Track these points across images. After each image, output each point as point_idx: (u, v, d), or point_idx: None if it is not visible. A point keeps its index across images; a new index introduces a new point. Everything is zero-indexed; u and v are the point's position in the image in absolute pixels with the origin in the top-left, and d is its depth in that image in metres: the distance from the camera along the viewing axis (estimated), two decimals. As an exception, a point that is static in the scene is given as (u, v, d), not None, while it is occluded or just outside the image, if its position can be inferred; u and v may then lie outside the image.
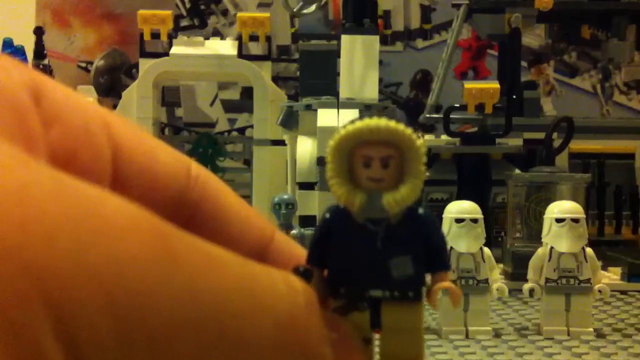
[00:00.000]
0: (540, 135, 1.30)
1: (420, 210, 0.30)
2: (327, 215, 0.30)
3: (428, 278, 0.31)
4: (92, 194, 0.21)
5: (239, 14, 1.44)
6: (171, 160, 0.30)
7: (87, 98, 0.29)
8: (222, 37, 1.48)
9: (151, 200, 0.28)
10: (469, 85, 1.38)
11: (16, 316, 0.18)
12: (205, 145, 1.40)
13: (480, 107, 1.35)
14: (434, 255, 0.30)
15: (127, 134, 0.28)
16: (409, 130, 0.29)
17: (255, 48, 1.39)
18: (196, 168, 0.30)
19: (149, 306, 0.20)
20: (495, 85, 1.37)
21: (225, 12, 1.74)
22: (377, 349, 0.31)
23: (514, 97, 1.44)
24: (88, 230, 0.20)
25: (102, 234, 0.20)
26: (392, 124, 0.28)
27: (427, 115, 1.43)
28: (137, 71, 1.40)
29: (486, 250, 0.88)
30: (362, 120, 0.29)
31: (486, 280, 0.87)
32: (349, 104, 1.19)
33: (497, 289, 0.88)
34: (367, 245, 0.29)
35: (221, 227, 0.30)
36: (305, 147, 1.21)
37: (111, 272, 0.20)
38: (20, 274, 0.18)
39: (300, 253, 0.31)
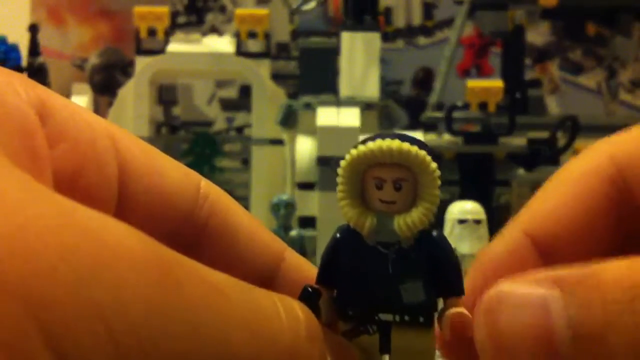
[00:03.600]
0: (545, 134, 1.29)
1: (434, 233, 0.29)
2: (338, 236, 0.29)
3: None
4: (95, 222, 0.20)
5: (237, 11, 1.43)
6: (180, 177, 0.29)
7: (92, 113, 0.28)
8: (220, 34, 1.47)
9: (159, 218, 0.28)
10: (471, 83, 1.38)
11: (16, 351, 0.18)
12: (203, 145, 1.39)
13: (483, 106, 1.34)
14: (447, 279, 0.29)
15: (134, 150, 0.28)
16: (422, 153, 0.27)
17: (253, 45, 1.38)
18: (206, 185, 0.30)
19: (151, 340, 0.20)
20: (499, 83, 1.37)
21: (223, 9, 1.72)
22: None
23: (518, 95, 1.44)
24: (90, 262, 0.19)
25: (104, 265, 0.20)
26: (405, 145, 0.27)
27: (429, 114, 1.43)
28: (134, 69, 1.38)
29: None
30: (375, 141, 0.28)
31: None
32: (350, 102, 1.19)
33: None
34: (377, 268, 0.28)
35: (230, 246, 0.30)
36: (305, 147, 1.20)
37: (113, 304, 0.19)
38: (20, 309, 0.18)
39: (312, 273, 0.31)
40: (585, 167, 0.30)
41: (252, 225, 0.31)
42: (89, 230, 0.20)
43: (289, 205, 1.07)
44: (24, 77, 0.26)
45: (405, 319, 0.29)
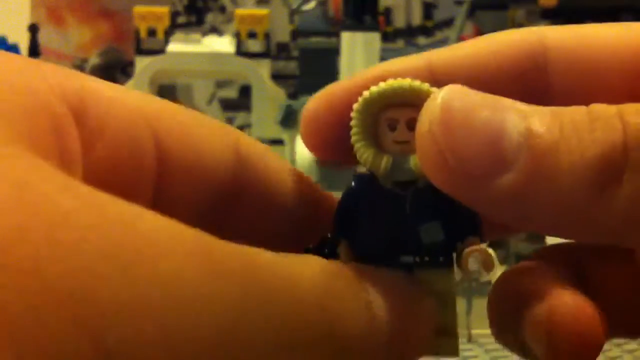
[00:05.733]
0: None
1: None
2: (353, 184, 0.29)
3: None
4: (130, 213, 0.20)
5: (237, 11, 1.43)
6: (219, 148, 0.29)
7: (130, 94, 0.27)
8: (220, 34, 1.47)
9: (200, 191, 0.28)
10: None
11: (61, 352, 0.17)
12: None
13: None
14: (463, 220, 0.28)
15: (173, 128, 0.27)
16: (433, 89, 0.27)
17: (253, 45, 1.38)
18: (245, 146, 0.29)
19: (201, 334, 0.19)
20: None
21: (223, 9, 1.72)
22: None
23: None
24: (130, 254, 0.19)
25: (145, 254, 0.19)
26: (417, 83, 0.27)
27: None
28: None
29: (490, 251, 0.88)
30: (386, 82, 0.27)
31: (489, 282, 0.86)
32: (349, 102, 1.19)
33: (501, 292, 0.87)
34: (395, 210, 0.28)
35: (272, 202, 0.30)
36: (305, 147, 1.20)
37: (162, 300, 0.18)
38: (63, 306, 0.17)
39: None
40: (514, 35, 0.30)
41: (293, 173, 0.31)
42: (124, 220, 0.19)
43: (289, 205, 1.07)
44: (58, 67, 0.25)
45: (425, 260, 0.28)
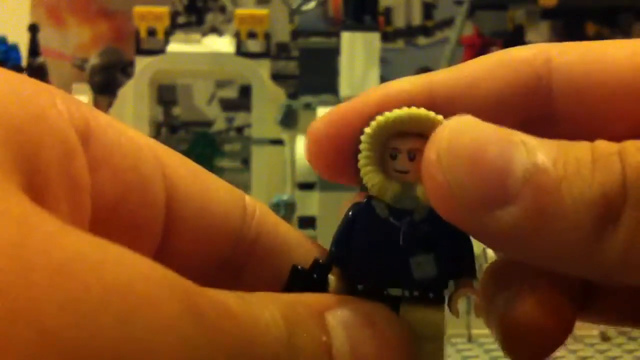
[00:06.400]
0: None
1: None
2: (350, 214, 0.29)
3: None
4: (132, 262, 0.20)
5: (237, 11, 1.43)
6: (226, 197, 0.29)
7: (138, 133, 0.27)
8: (220, 34, 1.47)
9: (208, 240, 0.28)
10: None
11: None
12: (203, 145, 1.40)
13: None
14: (459, 259, 0.28)
15: (182, 172, 0.27)
16: (439, 118, 0.27)
17: (253, 45, 1.38)
18: (250, 202, 0.29)
19: None
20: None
21: (223, 9, 1.73)
22: None
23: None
24: (128, 304, 0.19)
25: (140, 307, 0.19)
26: (432, 114, 0.27)
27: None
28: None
29: (489, 251, 0.88)
30: (401, 109, 0.27)
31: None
32: (350, 102, 1.19)
33: (501, 292, 0.87)
34: (388, 241, 0.28)
35: (283, 259, 0.30)
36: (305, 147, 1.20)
37: (155, 344, 0.19)
38: (62, 357, 0.17)
39: None
40: (518, 55, 0.29)
41: (301, 239, 0.31)
42: (125, 269, 0.19)
43: (289, 205, 1.08)
44: (67, 94, 0.25)
45: (414, 295, 0.28)
